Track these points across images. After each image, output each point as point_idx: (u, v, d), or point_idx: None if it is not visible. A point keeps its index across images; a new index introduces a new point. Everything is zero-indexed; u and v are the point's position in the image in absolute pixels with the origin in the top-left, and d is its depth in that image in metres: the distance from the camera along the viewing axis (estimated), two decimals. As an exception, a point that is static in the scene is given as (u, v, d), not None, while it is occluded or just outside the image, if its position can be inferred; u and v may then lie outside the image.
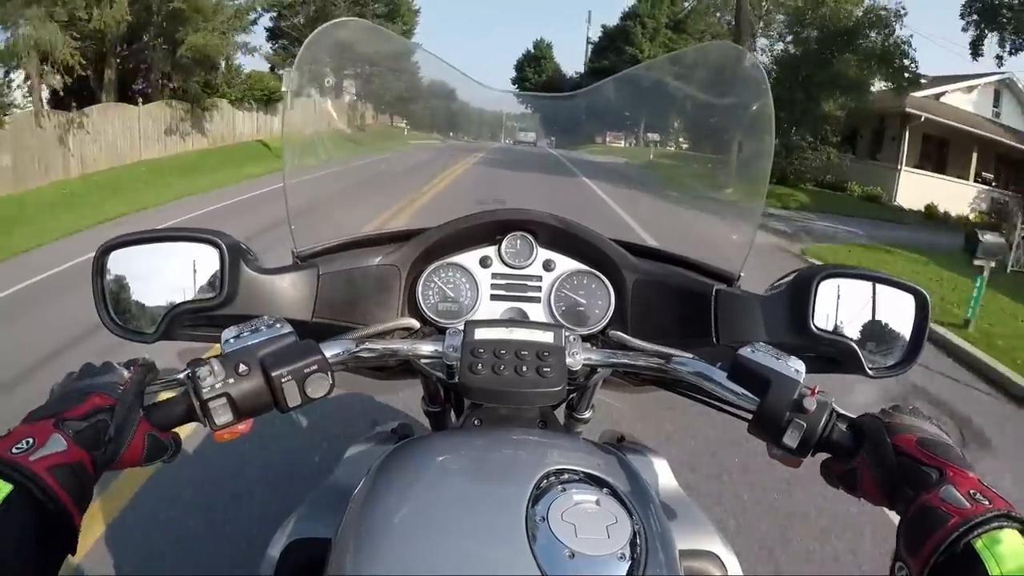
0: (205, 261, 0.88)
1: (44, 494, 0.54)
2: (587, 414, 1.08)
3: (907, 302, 0.92)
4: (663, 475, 1.04)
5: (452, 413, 1.17)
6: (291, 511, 0.94)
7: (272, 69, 22.79)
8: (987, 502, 0.57)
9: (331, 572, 0.67)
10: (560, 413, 1.11)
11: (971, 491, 0.59)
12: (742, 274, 1.08)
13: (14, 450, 0.56)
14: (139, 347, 0.87)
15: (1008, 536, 0.54)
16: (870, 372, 0.88)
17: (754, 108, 1.20)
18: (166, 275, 0.88)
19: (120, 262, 0.87)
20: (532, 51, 45.79)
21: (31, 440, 0.57)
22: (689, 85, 1.42)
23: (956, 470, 0.62)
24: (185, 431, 0.72)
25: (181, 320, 0.86)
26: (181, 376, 0.72)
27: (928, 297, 0.91)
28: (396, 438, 1.06)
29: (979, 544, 0.54)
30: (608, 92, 1.50)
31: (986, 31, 17.58)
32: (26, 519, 0.53)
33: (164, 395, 0.72)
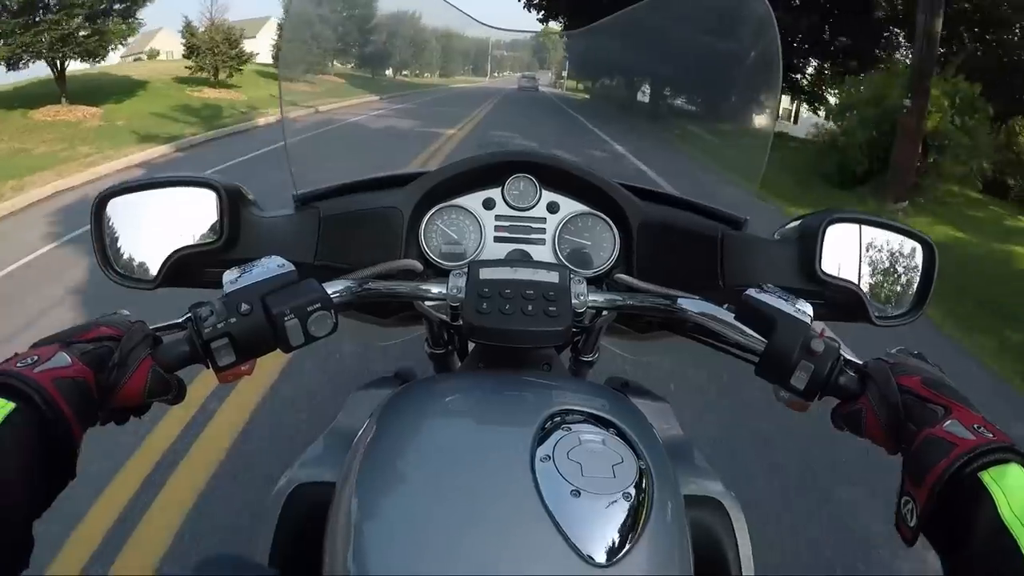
0: (204, 206, 0.87)
1: (46, 404, 0.55)
2: (592, 357, 1.08)
3: (915, 251, 0.91)
4: (668, 420, 1.05)
5: (455, 356, 1.17)
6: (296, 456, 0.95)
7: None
8: (991, 435, 0.58)
9: (335, 515, 0.68)
10: (565, 358, 1.11)
11: (975, 425, 0.59)
12: (748, 218, 1.06)
13: (18, 365, 0.57)
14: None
15: (1015, 471, 0.54)
16: (876, 320, 0.88)
17: (760, 46, 1.17)
18: (165, 222, 0.87)
19: (118, 210, 0.87)
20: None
21: (36, 357, 0.58)
22: (694, 23, 1.39)
23: (960, 407, 0.63)
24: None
25: (182, 266, 0.85)
26: (183, 319, 0.72)
27: (935, 247, 0.90)
28: (400, 382, 1.06)
29: (987, 477, 0.54)
30: (608, 32, 1.46)
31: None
32: (30, 437, 0.53)
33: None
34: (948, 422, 0.60)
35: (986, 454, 0.55)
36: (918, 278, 0.91)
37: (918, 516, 0.57)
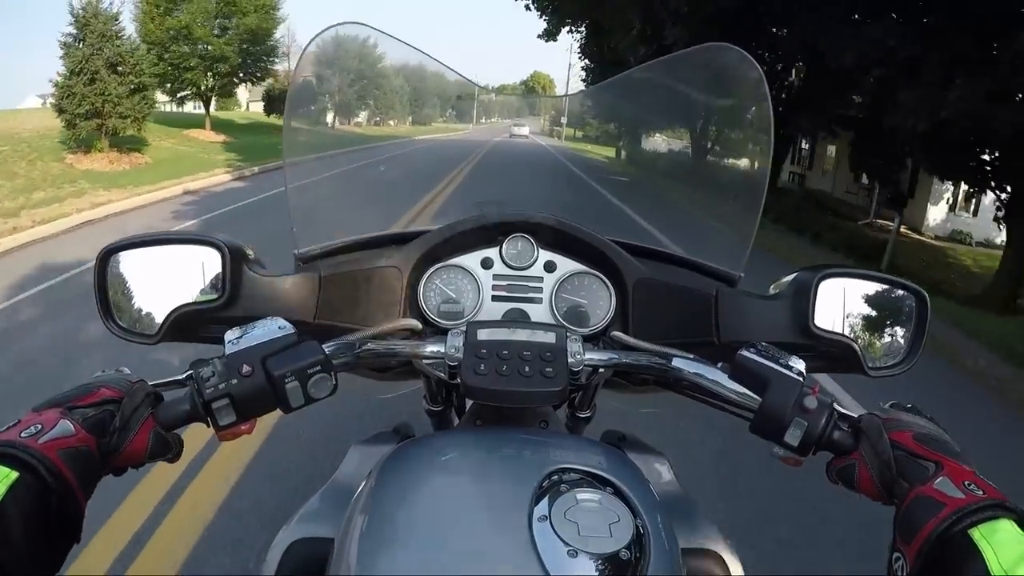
0: (207, 264, 0.89)
1: (52, 475, 0.55)
2: (588, 413, 1.09)
3: (907, 301, 0.92)
4: (665, 474, 1.05)
5: (454, 413, 1.18)
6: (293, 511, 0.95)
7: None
8: (981, 492, 0.58)
9: (333, 572, 0.68)
10: (562, 414, 1.11)
11: (966, 482, 0.60)
12: (742, 275, 1.08)
13: (22, 435, 0.57)
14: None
15: (1005, 527, 0.54)
16: (870, 372, 0.88)
17: (753, 108, 1.21)
18: (168, 278, 0.88)
19: (122, 265, 0.88)
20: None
21: (39, 425, 0.58)
22: (686, 87, 1.43)
23: (951, 463, 0.63)
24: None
25: (183, 322, 0.86)
26: (183, 377, 0.72)
27: (927, 297, 0.91)
28: (398, 438, 1.06)
29: (976, 535, 0.54)
30: (601, 94, 1.51)
31: None
32: (34, 505, 0.53)
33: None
34: (938, 480, 0.61)
35: (975, 513, 0.56)
36: (911, 328, 0.92)
37: (907, 573, 0.58)
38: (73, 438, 0.59)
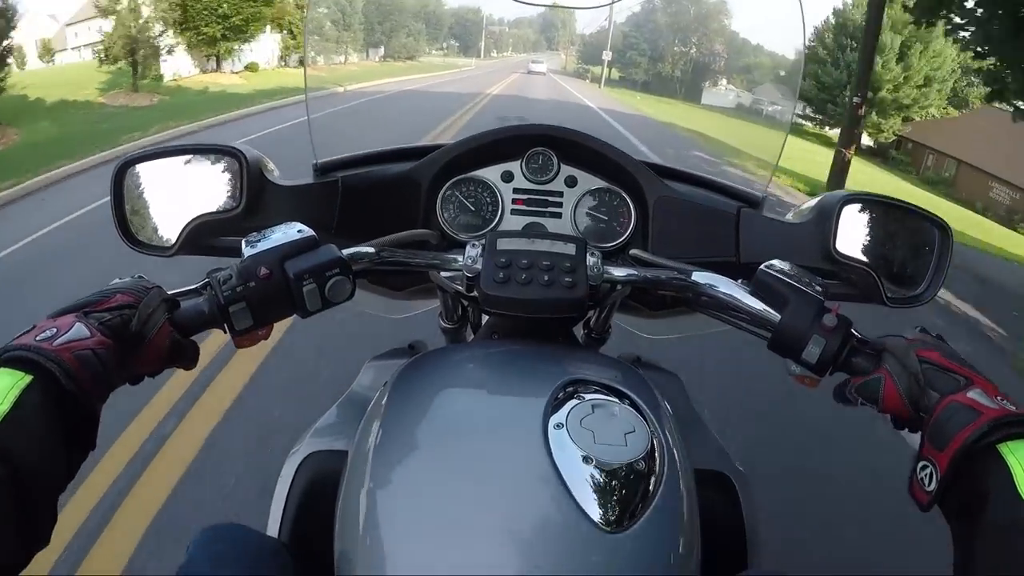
0: (226, 174, 0.86)
1: (67, 377, 0.53)
2: (605, 334, 1.09)
3: (929, 232, 0.90)
4: (679, 394, 1.05)
5: (469, 330, 1.18)
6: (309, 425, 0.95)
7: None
8: (1014, 408, 0.58)
9: (347, 482, 0.68)
10: (578, 332, 1.11)
11: (999, 398, 0.59)
12: (766, 196, 1.06)
13: (37, 339, 0.55)
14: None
15: None
16: (888, 301, 0.87)
17: (783, 18, 1.16)
18: (186, 189, 0.86)
19: (139, 177, 0.85)
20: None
21: (55, 329, 0.57)
22: (669, 33, 1.37)
23: (982, 380, 0.62)
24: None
25: (201, 233, 0.84)
26: (200, 284, 0.70)
27: (950, 229, 0.89)
28: (414, 353, 1.07)
29: (1004, 450, 0.54)
30: (601, 38, 1.46)
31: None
32: (49, 409, 0.52)
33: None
34: (972, 391, 0.60)
35: (1013, 424, 0.55)
36: (932, 260, 0.90)
37: (938, 480, 0.57)
38: (89, 340, 0.57)
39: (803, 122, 40.12)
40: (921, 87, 31.77)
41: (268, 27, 22.16)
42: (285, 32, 23.66)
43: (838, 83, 32.39)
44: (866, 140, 32.99)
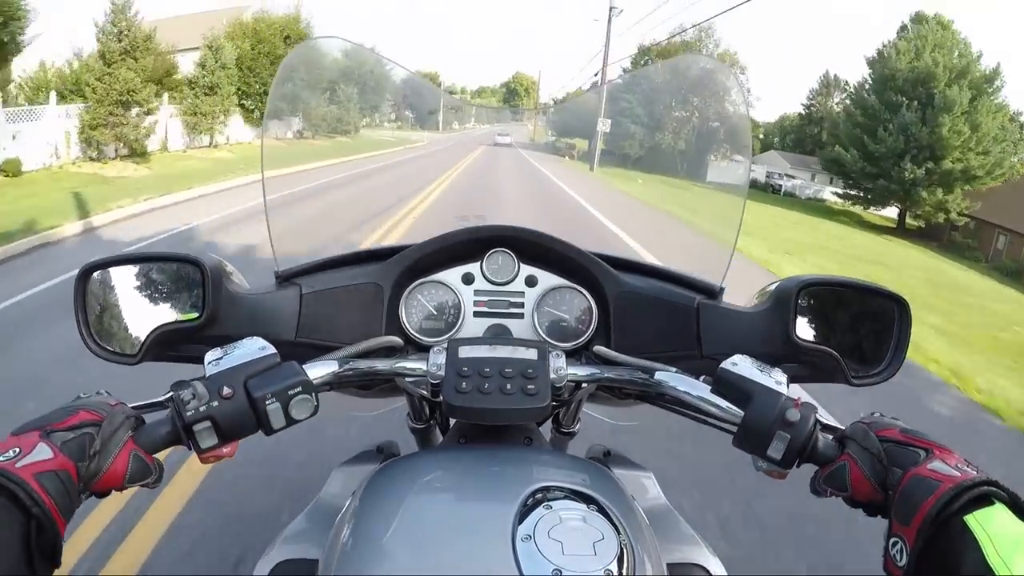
0: (188, 282, 0.88)
1: (30, 499, 0.54)
2: (573, 428, 1.08)
3: (888, 309, 0.91)
4: (650, 489, 1.04)
5: (437, 431, 1.17)
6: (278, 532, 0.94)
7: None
8: (974, 472, 0.59)
9: None
10: (546, 429, 1.11)
11: (958, 464, 0.61)
12: (724, 287, 1.08)
13: (0, 458, 0.56)
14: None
15: (999, 513, 0.55)
16: (853, 381, 0.87)
17: (731, 118, 1.22)
18: (149, 296, 0.88)
19: (102, 283, 0.88)
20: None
21: (17, 449, 0.58)
22: (666, 96, 1.44)
23: (942, 449, 0.64)
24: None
25: (164, 341, 0.85)
26: (164, 399, 0.72)
27: (908, 304, 0.90)
28: (382, 457, 1.05)
29: (972, 521, 0.55)
30: (583, 104, 1.52)
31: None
32: (12, 530, 0.53)
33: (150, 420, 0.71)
34: (932, 462, 0.62)
35: (972, 488, 0.56)
36: (892, 335, 0.90)
37: (908, 555, 0.58)
38: (51, 462, 0.58)
39: (831, 197, 37.00)
40: (985, 153, 26.37)
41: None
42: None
43: (892, 152, 27.45)
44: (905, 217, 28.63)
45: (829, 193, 38.80)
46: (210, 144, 19.73)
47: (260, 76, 21.50)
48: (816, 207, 36.43)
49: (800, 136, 50.28)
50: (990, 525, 0.54)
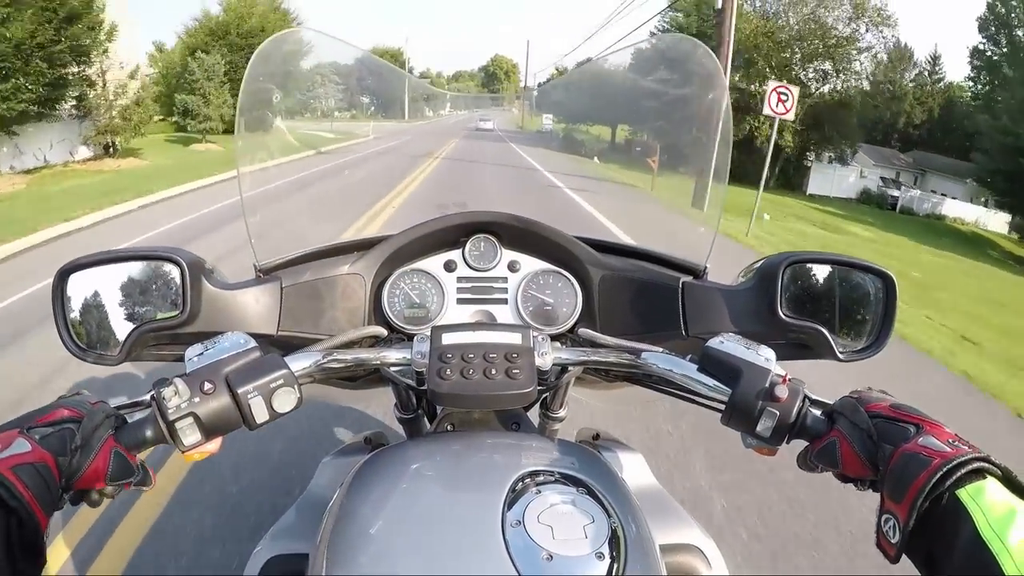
0: (167, 279, 0.87)
1: (8, 492, 0.54)
2: (561, 412, 1.08)
3: (874, 284, 0.92)
4: (640, 470, 1.05)
5: (425, 419, 1.17)
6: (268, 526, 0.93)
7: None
8: (966, 447, 0.59)
9: None
10: (534, 414, 1.11)
11: (949, 440, 0.61)
12: (708, 265, 1.08)
13: None
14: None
15: (991, 486, 0.55)
16: (840, 356, 0.88)
17: (710, 98, 1.21)
18: (128, 295, 0.86)
19: (80, 285, 0.86)
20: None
21: None
22: (645, 77, 1.43)
23: (932, 424, 0.64)
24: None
25: (145, 340, 0.84)
26: (146, 397, 0.71)
27: (894, 278, 0.91)
28: (370, 447, 1.05)
29: (964, 495, 0.55)
30: (563, 87, 1.51)
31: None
32: None
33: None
34: (922, 438, 0.62)
35: (964, 464, 0.56)
36: (879, 310, 0.91)
37: (901, 531, 0.58)
38: (29, 455, 0.58)
39: (952, 212, 27.76)
40: None
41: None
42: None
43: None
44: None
45: (949, 206, 28.99)
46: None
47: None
48: (942, 229, 25.38)
49: (863, 119, 31.43)
50: (982, 499, 0.54)
